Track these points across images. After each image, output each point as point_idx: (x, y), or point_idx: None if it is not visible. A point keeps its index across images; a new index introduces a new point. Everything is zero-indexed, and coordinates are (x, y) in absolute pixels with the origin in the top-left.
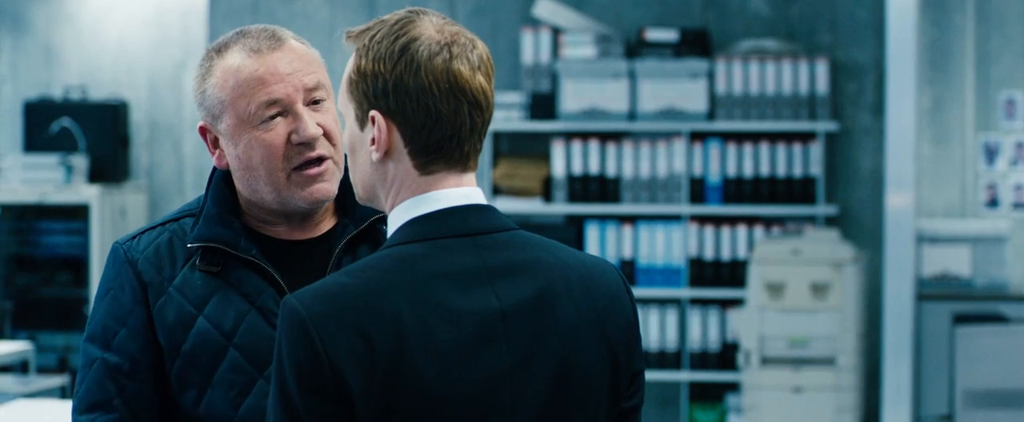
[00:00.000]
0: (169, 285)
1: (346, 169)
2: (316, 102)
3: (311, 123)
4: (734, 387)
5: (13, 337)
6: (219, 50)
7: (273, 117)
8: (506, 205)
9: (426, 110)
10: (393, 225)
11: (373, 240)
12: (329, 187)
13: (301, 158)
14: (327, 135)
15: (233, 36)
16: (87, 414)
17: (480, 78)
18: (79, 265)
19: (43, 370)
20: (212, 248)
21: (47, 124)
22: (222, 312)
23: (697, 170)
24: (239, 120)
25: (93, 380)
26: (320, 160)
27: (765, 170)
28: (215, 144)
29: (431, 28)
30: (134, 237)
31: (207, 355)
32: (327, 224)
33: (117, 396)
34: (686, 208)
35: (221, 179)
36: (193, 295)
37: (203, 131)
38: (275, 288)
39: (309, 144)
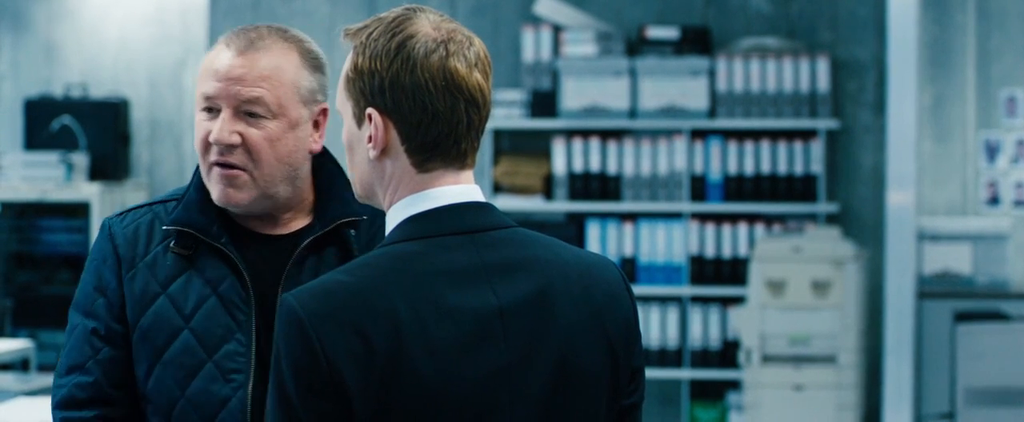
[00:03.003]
0: (140, 261)
1: (352, 176)
2: (251, 115)
3: (225, 129)
4: (735, 385)
5: (14, 335)
6: (227, 34)
7: (208, 110)
8: (507, 203)
9: (422, 107)
10: (391, 223)
11: (341, 243)
12: (236, 194)
13: (215, 157)
14: (250, 148)
15: (240, 28)
16: (66, 376)
17: (477, 75)
18: (80, 263)
19: (44, 368)
20: (185, 232)
21: (48, 122)
22: (185, 294)
23: (698, 168)
24: (198, 100)
25: (73, 344)
26: (231, 166)
27: (766, 168)
28: None
29: (428, 25)
30: (121, 214)
31: (162, 333)
32: (300, 223)
33: (93, 359)
34: (687, 206)
35: None
36: (161, 274)
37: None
38: (237, 277)
39: (219, 148)
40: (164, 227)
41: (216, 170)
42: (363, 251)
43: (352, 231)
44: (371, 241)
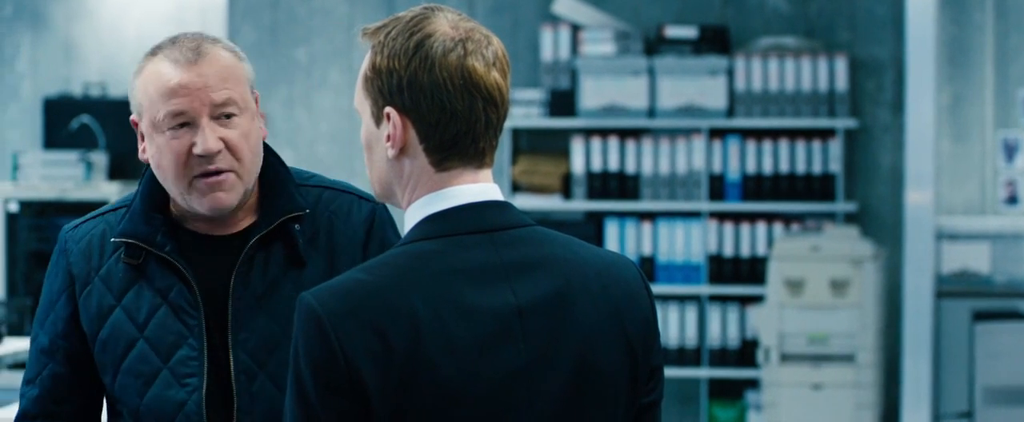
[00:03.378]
0: (95, 275)
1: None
2: (227, 117)
3: (212, 138)
4: (754, 384)
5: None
6: (153, 52)
7: (180, 126)
8: (525, 202)
9: (440, 106)
10: (409, 222)
11: (286, 237)
12: (227, 197)
13: (201, 169)
14: (232, 148)
15: (167, 42)
16: (24, 387)
17: (495, 74)
18: None
19: None
20: (132, 243)
21: (67, 121)
22: (137, 304)
23: (716, 167)
24: (151, 124)
25: (30, 357)
26: (219, 172)
27: (784, 167)
28: (142, 138)
29: (446, 24)
30: (77, 226)
31: (120, 344)
32: (246, 222)
33: (40, 374)
34: (705, 205)
35: (151, 178)
36: (115, 286)
37: (134, 124)
38: (184, 284)
39: (208, 157)
40: (112, 239)
41: (201, 182)
42: (308, 243)
43: (297, 225)
44: (316, 234)
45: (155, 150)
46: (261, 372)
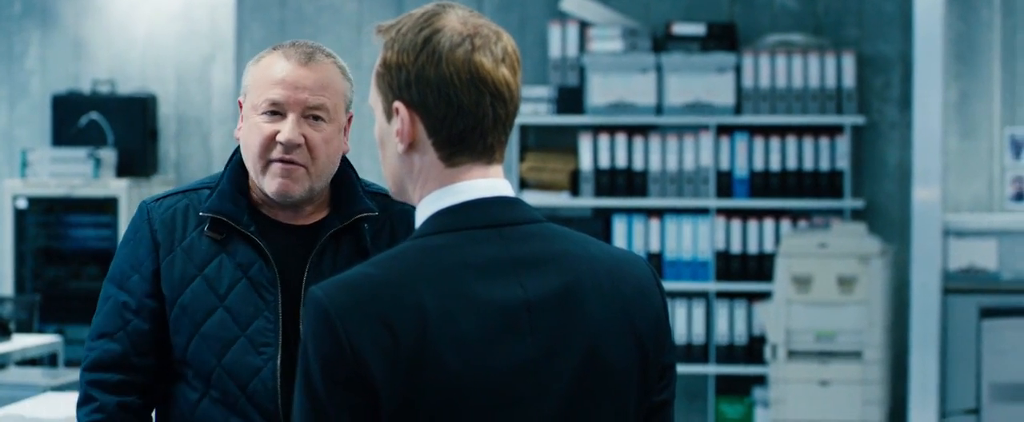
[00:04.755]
0: (178, 246)
1: (358, 176)
2: (316, 119)
3: (295, 131)
4: (761, 380)
5: (41, 330)
6: (275, 48)
7: (273, 113)
8: (533, 199)
9: (447, 101)
10: (420, 217)
11: (355, 235)
12: (293, 186)
13: (277, 155)
14: (310, 147)
15: (288, 42)
16: (97, 341)
17: (504, 70)
18: (107, 258)
19: (71, 363)
20: (219, 219)
21: (76, 118)
22: (219, 276)
23: (724, 164)
24: (252, 106)
25: (105, 313)
26: (293, 162)
27: (792, 164)
28: (242, 118)
29: (455, 21)
30: (158, 199)
31: (200, 310)
32: (316, 216)
33: (122, 329)
34: (713, 202)
35: (239, 162)
36: (197, 257)
37: (239, 105)
38: (264, 261)
39: (286, 146)
40: (200, 214)
41: (276, 165)
42: (374, 240)
43: (366, 225)
44: (380, 233)
45: (248, 129)
46: None
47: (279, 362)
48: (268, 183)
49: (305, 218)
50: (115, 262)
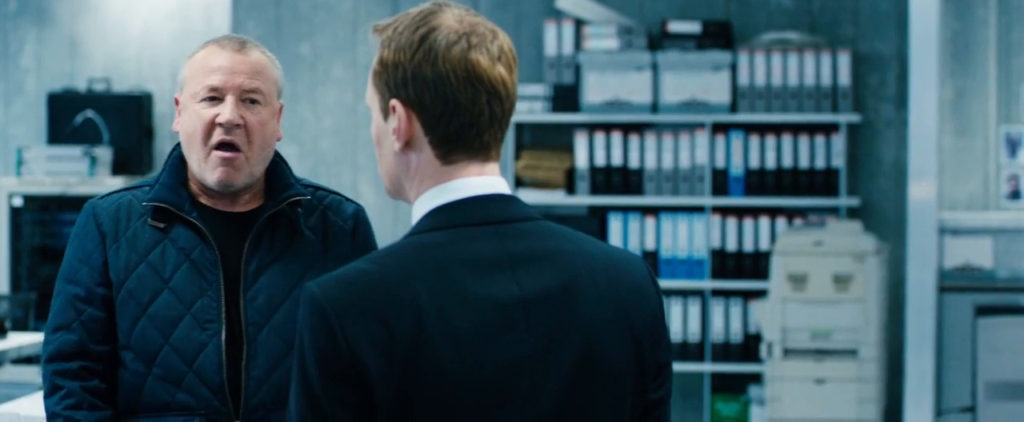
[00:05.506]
0: (123, 236)
1: (280, 163)
2: (252, 102)
3: (234, 112)
4: (756, 378)
5: (37, 329)
6: (207, 43)
7: (212, 99)
8: (529, 197)
9: (444, 99)
10: (416, 215)
11: (289, 220)
12: (235, 175)
13: (218, 139)
14: (247, 130)
15: (222, 36)
16: (54, 334)
17: (500, 68)
18: None
19: None
20: (161, 208)
21: (71, 116)
22: (163, 261)
23: (719, 162)
24: (190, 95)
25: (59, 307)
26: (233, 147)
27: (787, 162)
28: (179, 113)
29: (451, 19)
30: (103, 197)
31: (147, 292)
32: (252, 204)
33: (77, 319)
34: (709, 200)
35: (178, 157)
36: (141, 245)
37: (176, 101)
38: (205, 244)
39: (226, 127)
40: (143, 202)
41: (217, 154)
42: (311, 228)
43: (299, 209)
44: (312, 218)
45: (187, 118)
46: (266, 325)
47: (223, 338)
48: (210, 173)
49: (242, 206)
50: (65, 260)
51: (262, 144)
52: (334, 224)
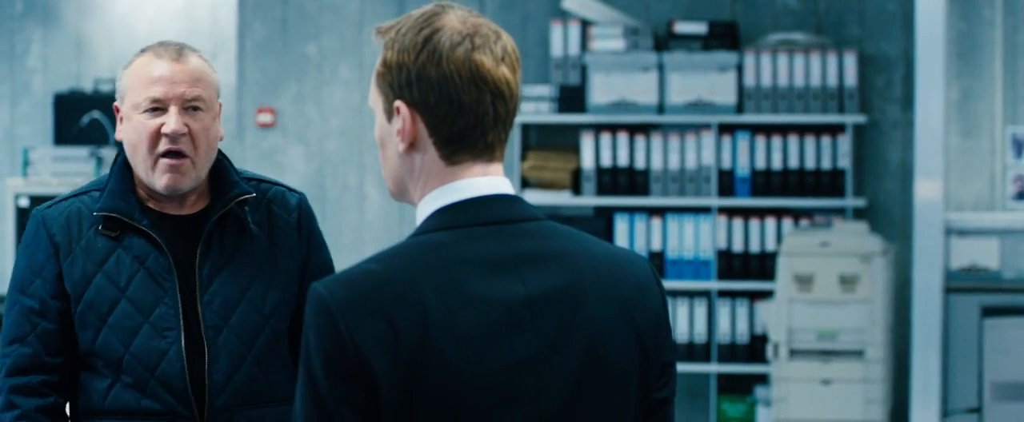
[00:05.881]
0: (77, 246)
1: (228, 164)
2: (194, 109)
3: (179, 122)
4: (763, 379)
5: None
6: (143, 51)
7: (154, 110)
8: (535, 197)
9: (448, 99)
10: (421, 215)
11: (237, 218)
12: (182, 179)
13: (164, 147)
14: (192, 136)
15: (156, 44)
16: (8, 347)
17: (504, 69)
18: None
19: None
20: (112, 217)
21: (77, 116)
22: (118, 270)
23: (726, 163)
24: (132, 106)
25: (13, 320)
26: (179, 154)
27: (794, 163)
28: (121, 121)
29: (455, 20)
30: (50, 206)
31: (105, 303)
32: (199, 205)
33: (31, 332)
34: (715, 201)
35: (124, 162)
36: (95, 255)
37: (116, 109)
38: (159, 251)
39: (172, 137)
40: (94, 213)
41: (164, 161)
42: (258, 225)
43: (246, 207)
44: (258, 214)
45: (131, 129)
46: (225, 328)
47: (183, 344)
48: (158, 179)
49: (189, 208)
50: (15, 270)
51: (207, 148)
52: (279, 218)
